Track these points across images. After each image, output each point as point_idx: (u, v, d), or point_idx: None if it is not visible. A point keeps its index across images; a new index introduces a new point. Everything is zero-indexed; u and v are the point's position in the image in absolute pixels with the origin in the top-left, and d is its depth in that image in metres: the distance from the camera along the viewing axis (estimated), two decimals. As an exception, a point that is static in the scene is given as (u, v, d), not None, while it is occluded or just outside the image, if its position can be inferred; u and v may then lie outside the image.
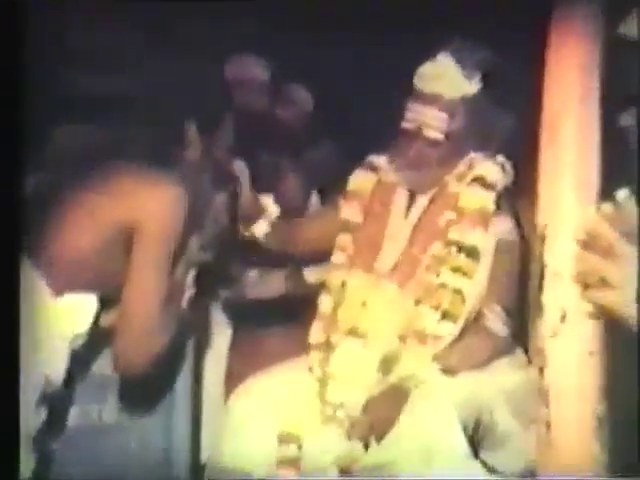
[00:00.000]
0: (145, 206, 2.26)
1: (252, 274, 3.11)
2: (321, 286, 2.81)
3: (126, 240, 2.26)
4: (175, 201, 2.29)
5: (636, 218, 1.40)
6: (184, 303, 2.44)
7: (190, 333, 2.71)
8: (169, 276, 2.32)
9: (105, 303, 2.36)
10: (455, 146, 2.66)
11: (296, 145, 3.53)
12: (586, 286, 1.45)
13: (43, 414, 2.29)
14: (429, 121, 2.63)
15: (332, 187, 2.95)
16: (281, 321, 3.11)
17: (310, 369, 2.68)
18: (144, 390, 2.63)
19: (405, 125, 2.67)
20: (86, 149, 2.79)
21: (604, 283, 1.41)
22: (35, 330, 2.21)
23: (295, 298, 3.02)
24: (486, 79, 2.66)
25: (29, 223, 2.22)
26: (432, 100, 2.63)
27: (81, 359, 2.40)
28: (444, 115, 2.62)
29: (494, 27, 2.75)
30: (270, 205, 2.83)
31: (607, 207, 1.42)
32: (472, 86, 2.64)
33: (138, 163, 2.42)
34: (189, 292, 2.46)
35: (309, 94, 3.72)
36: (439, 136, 2.63)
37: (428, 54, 2.69)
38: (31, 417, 2.23)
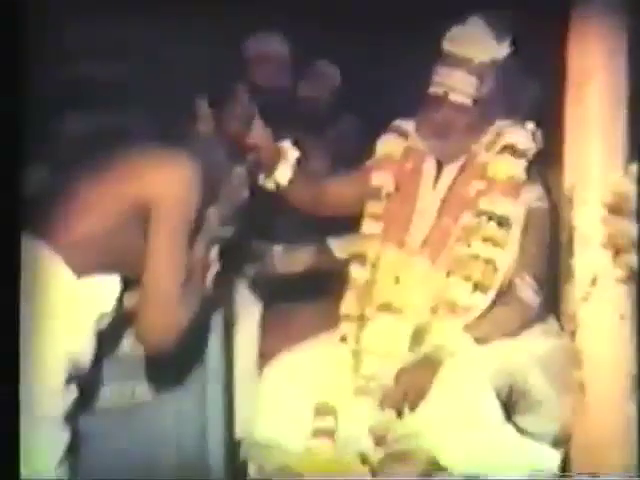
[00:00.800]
0: (158, 184, 2.26)
1: (278, 248, 3.10)
2: (353, 257, 2.77)
3: (143, 220, 2.27)
4: (188, 177, 2.28)
5: None
6: (208, 280, 2.44)
7: (215, 309, 2.70)
8: (190, 253, 2.32)
9: (129, 283, 2.36)
10: (483, 112, 2.62)
11: (322, 121, 3.51)
12: (617, 251, 1.42)
13: (73, 394, 2.30)
14: (457, 85, 2.59)
15: (360, 160, 2.91)
16: (311, 295, 3.10)
17: (343, 339, 2.66)
18: (174, 367, 2.64)
19: (432, 90, 2.63)
20: (97, 134, 2.80)
21: (635, 246, 1.38)
22: (59, 313, 2.23)
23: (324, 271, 3.00)
24: (515, 44, 2.63)
25: (46, 209, 2.26)
26: (461, 63, 2.59)
27: (108, 339, 2.41)
28: (473, 79, 2.58)
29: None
30: (289, 148, 2.76)
31: (634, 168, 1.39)
32: (502, 50, 2.61)
33: (151, 143, 2.43)
34: (214, 268, 2.46)
35: (336, 69, 3.68)
36: (466, 101, 2.60)
37: (458, 19, 2.65)
38: (57, 398, 2.25)
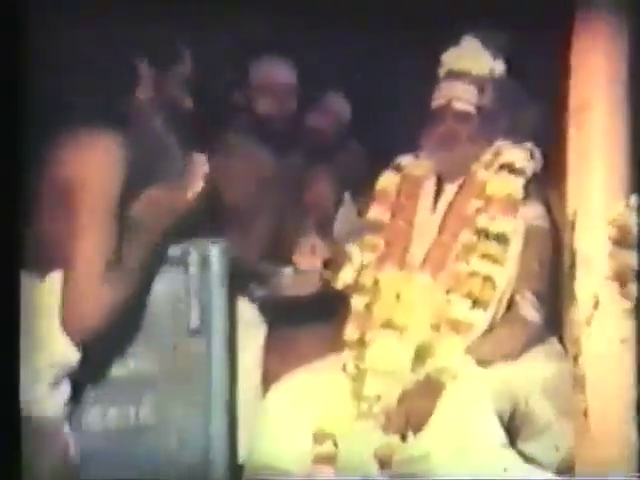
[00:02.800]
0: (81, 166, 2.24)
1: (287, 271, 3.10)
2: (353, 286, 2.81)
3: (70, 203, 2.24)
4: (113, 158, 2.25)
5: None
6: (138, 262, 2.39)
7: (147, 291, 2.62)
8: (116, 236, 2.29)
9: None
10: (484, 126, 2.66)
11: (329, 150, 3.51)
12: (623, 283, 1.43)
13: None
14: (459, 94, 2.64)
15: (363, 190, 2.94)
16: (315, 319, 3.10)
17: (344, 367, 2.68)
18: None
19: (435, 103, 2.68)
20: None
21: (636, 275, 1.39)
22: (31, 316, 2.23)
23: (329, 296, 3.00)
24: (513, 63, 2.66)
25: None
26: (460, 76, 2.65)
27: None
28: (473, 88, 2.64)
29: (519, 14, 2.73)
30: (356, 254, 2.83)
31: (635, 200, 1.40)
32: (499, 65, 2.66)
33: (84, 124, 2.35)
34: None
35: (347, 103, 3.67)
36: (469, 108, 2.64)
37: (452, 42, 2.71)
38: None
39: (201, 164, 2.44)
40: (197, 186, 2.44)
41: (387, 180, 2.86)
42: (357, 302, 2.77)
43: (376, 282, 2.73)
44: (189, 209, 2.45)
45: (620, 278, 1.41)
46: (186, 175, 2.43)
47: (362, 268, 2.80)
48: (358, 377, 2.62)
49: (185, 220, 2.47)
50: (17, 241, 2.05)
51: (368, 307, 2.72)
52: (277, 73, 3.32)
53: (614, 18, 1.95)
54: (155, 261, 2.50)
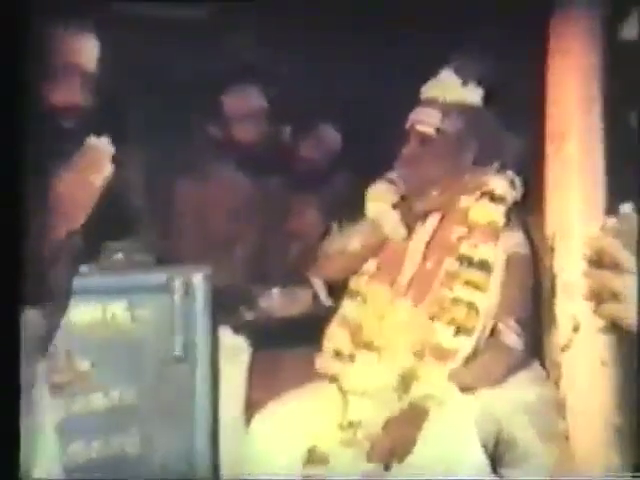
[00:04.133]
0: None
1: (274, 292, 3.11)
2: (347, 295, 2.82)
3: None
4: None
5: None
6: None
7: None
8: None
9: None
10: (450, 150, 2.69)
11: (318, 179, 3.54)
12: (599, 302, 1.45)
13: None
14: (421, 118, 2.71)
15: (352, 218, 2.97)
16: (302, 340, 3.10)
17: (333, 379, 2.70)
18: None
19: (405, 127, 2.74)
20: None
21: (615, 297, 1.41)
22: None
23: (318, 316, 3.01)
24: (491, 93, 2.70)
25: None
26: (427, 103, 2.73)
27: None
28: (436, 112, 2.69)
29: (496, 41, 2.77)
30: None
31: (611, 222, 1.42)
32: (473, 95, 2.70)
33: None
34: None
35: (338, 134, 3.70)
36: (429, 130, 2.69)
37: (431, 72, 2.77)
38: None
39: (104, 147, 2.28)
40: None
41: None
42: (346, 310, 2.78)
43: (364, 299, 2.75)
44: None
45: (596, 298, 1.42)
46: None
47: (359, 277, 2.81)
48: (341, 401, 2.63)
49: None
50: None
51: (353, 324, 2.73)
52: (248, 99, 3.35)
53: (588, 38, 1.98)
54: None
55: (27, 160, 1.85)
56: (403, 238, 2.77)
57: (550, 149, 2.03)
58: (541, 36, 2.04)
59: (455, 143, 2.70)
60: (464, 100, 2.70)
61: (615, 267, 1.40)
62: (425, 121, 2.70)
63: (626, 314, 1.40)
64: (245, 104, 3.37)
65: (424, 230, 2.75)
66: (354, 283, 2.81)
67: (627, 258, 1.38)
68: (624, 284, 1.38)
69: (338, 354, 2.72)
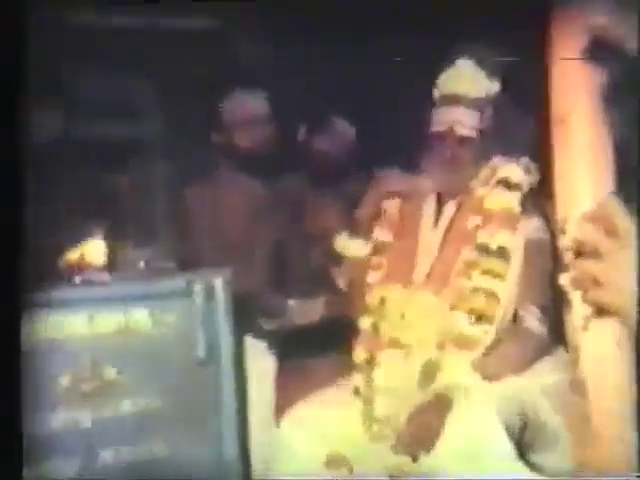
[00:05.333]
0: None
1: (292, 302, 3.13)
2: (360, 307, 2.82)
3: None
4: None
5: (619, 217, 1.39)
6: None
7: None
8: None
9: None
10: (484, 146, 2.70)
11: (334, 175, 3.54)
12: (584, 290, 1.45)
13: None
14: (460, 119, 2.67)
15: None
16: (324, 346, 3.11)
17: (356, 390, 2.69)
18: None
19: (435, 128, 2.71)
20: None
21: (597, 284, 1.41)
22: None
23: (336, 321, 3.02)
24: (505, 81, 2.69)
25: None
26: (458, 100, 2.68)
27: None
28: (475, 112, 2.67)
29: (502, 30, 2.77)
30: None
31: (588, 211, 1.42)
32: (494, 86, 2.70)
33: None
34: None
35: (352, 128, 3.69)
36: (472, 133, 2.67)
37: (445, 65, 2.75)
38: None
39: None
40: None
41: (390, 204, 2.90)
42: (364, 323, 2.76)
43: (382, 301, 2.74)
44: None
45: (581, 287, 1.42)
46: None
47: (368, 288, 2.81)
48: (368, 399, 2.63)
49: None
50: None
51: (375, 327, 2.72)
52: (250, 105, 3.36)
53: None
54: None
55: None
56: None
57: (555, 132, 2.02)
58: (541, 21, 2.03)
59: (488, 138, 2.70)
60: (490, 93, 2.69)
61: (595, 254, 1.40)
62: (465, 123, 2.67)
63: (611, 299, 1.39)
64: (249, 109, 3.37)
65: (440, 222, 2.75)
66: (369, 286, 2.81)
67: (607, 244, 1.37)
68: (606, 270, 1.37)
69: (363, 367, 2.72)
